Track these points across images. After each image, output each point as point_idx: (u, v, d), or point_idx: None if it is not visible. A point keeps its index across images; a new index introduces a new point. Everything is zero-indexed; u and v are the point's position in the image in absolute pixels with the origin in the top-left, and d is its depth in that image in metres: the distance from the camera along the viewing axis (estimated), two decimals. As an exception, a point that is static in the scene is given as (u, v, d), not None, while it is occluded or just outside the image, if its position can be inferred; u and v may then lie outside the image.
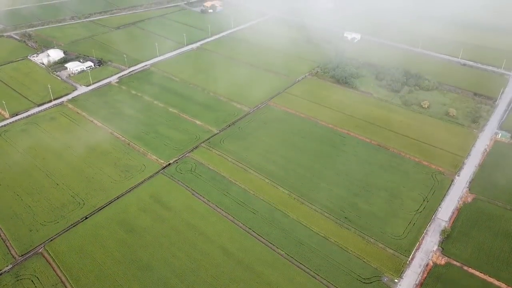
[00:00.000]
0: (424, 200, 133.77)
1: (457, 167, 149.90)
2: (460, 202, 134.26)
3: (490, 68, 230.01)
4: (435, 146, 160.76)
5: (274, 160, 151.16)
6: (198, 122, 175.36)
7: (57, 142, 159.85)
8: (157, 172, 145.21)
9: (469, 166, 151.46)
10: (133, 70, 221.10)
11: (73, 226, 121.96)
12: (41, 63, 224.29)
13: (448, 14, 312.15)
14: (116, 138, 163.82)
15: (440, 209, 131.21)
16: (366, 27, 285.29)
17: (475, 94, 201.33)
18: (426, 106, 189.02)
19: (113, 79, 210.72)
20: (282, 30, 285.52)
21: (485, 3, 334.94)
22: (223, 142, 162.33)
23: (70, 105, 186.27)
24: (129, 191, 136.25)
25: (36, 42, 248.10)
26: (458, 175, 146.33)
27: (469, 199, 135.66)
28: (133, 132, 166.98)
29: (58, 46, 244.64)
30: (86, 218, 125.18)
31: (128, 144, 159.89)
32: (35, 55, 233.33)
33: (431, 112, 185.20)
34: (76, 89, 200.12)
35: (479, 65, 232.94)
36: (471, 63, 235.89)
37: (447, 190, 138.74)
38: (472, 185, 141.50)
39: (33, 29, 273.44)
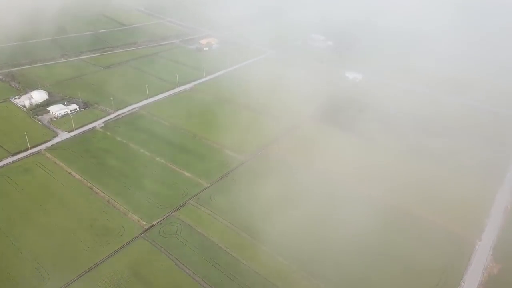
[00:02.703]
0: (443, 272, 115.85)
1: (478, 229, 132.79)
2: (485, 275, 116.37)
3: (503, 110, 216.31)
4: (451, 202, 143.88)
5: (272, 221, 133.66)
6: (187, 173, 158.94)
7: (27, 200, 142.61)
8: (137, 236, 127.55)
9: (491, 227, 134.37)
10: (120, 114, 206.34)
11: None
12: (22, 105, 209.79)
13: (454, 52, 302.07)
14: (95, 194, 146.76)
15: (462, 284, 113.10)
16: (368, 66, 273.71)
17: (491, 140, 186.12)
18: (436, 154, 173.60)
19: (98, 123, 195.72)
20: (280, 70, 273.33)
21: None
22: (214, 198, 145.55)
23: (48, 154, 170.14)
24: (104, 260, 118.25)
25: (20, 83, 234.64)
26: (480, 239, 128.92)
27: (495, 270, 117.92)
28: (114, 187, 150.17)
29: (43, 87, 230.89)
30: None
31: (108, 201, 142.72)
32: (17, 96, 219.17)
33: (443, 161, 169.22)
34: (57, 136, 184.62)
35: (493, 108, 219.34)
36: (483, 105, 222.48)
37: (469, 259, 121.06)
38: (497, 253, 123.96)
39: (19, 68, 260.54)
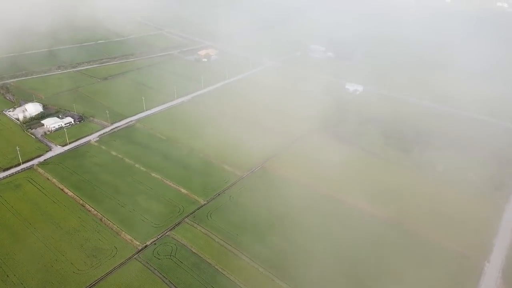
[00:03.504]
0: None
1: (486, 250, 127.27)
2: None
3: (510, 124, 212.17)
4: (456, 221, 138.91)
5: (271, 241, 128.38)
6: (183, 190, 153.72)
7: (17, 218, 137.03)
8: (130, 258, 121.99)
9: (499, 248, 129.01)
10: (116, 127, 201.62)
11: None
12: (16, 119, 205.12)
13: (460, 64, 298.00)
14: (87, 212, 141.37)
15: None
16: (369, 78, 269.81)
17: (496, 155, 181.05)
18: (440, 169, 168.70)
19: (93, 137, 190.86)
20: (279, 82, 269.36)
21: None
22: (210, 216, 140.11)
23: (40, 170, 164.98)
24: (95, 284, 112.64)
25: (14, 95, 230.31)
26: (488, 261, 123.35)
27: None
28: (108, 204, 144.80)
29: (38, 99, 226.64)
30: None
31: (101, 220, 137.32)
32: (11, 109, 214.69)
33: (447, 177, 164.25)
34: (50, 150, 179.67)
35: (498, 121, 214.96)
36: (489, 118, 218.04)
37: (478, 282, 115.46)
38: (506, 275, 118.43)
39: (14, 80, 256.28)
